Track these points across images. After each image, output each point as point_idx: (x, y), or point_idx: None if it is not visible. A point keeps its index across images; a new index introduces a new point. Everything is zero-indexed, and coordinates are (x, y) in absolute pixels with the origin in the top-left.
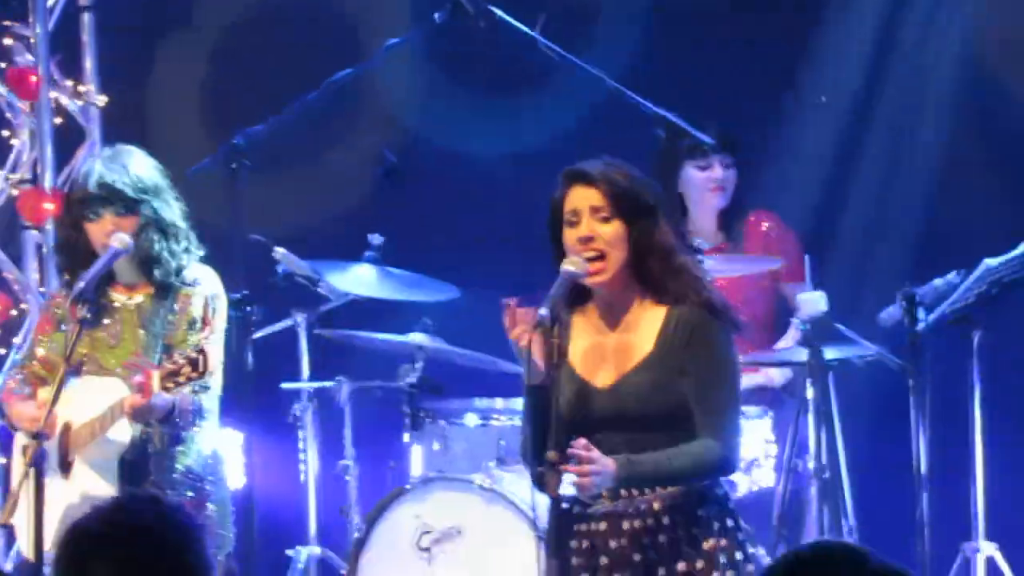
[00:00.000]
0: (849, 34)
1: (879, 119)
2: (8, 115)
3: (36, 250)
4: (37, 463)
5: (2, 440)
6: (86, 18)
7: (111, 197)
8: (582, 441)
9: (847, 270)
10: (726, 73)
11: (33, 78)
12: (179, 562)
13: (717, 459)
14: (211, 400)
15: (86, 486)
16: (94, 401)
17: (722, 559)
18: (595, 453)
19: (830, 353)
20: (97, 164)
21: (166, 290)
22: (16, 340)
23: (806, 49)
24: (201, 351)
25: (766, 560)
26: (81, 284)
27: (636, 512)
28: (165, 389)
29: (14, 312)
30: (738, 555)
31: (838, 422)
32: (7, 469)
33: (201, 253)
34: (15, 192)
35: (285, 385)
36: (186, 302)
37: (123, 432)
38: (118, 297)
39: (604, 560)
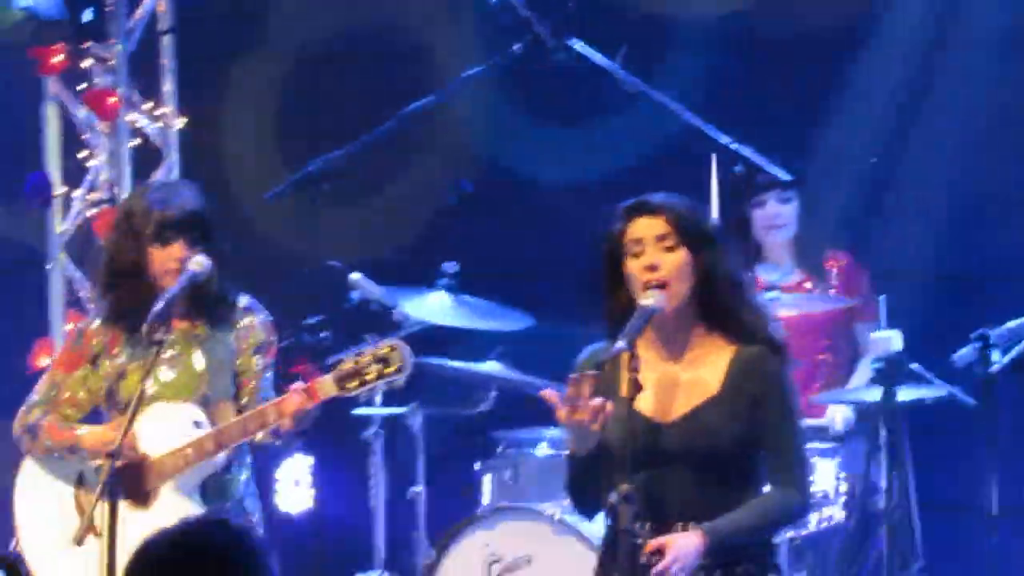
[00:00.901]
0: (896, 54)
1: (944, 153)
2: (86, 136)
3: None
4: (112, 485)
5: None
6: (166, 40)
7: (188, 226)
8: (650, 548)
9: (919, 310)
10: (788, 103)
11: (112, 99)
12: None
13: (797, 508)
14: None
15: (173, 513)
16: (170, 429)
17: None
18: (672, 548)
19: (903, 393)
20: (171, 192)
21: (222, 318)
22: None
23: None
24: (393, 347)
25: None
26: (160, 305)
27: None
28: (345, 391)
29: None
30: None
31: (910, 461)
32: None
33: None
34: (92, 212)
35: (357, 411)
36: (249, 327)
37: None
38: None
39: None
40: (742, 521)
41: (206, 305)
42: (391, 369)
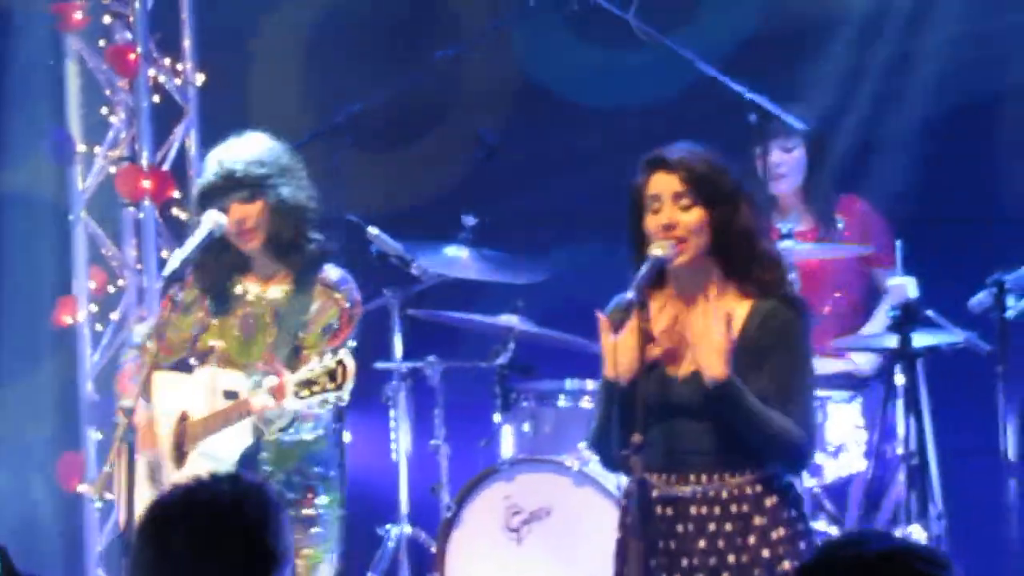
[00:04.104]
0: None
1: (964, 101)
2: (107, 92)
3: (134, 227)
4: (127, 439)
5: (98, 415)
6: None
7: (233, 184)
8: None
9: (937, 256)
10: (807, 55)
11: (132, 56)
12: (255, 539)
13: (800, 442)
14: (335, 408)
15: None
16: (215, 395)
17: (787, 548)
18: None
19: (919, 339)
20: (217, 153)
21: (305, 283)
22: (113, 316)
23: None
24: (340, 362)
25: None
26: (175, 265)
27: (704, 498)
28: (300, 398)
29: (111, 289)
30: (802, 544)
31: (927, 408)
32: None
33: (336, 244)
34: (113, 169)
35: (378, 365)
36: (326, 304)
37: (245, 434)
38: (252, 288)
39: (672, 544)
40: (757, 405)
41: (287, 262)
42: (333, 385)
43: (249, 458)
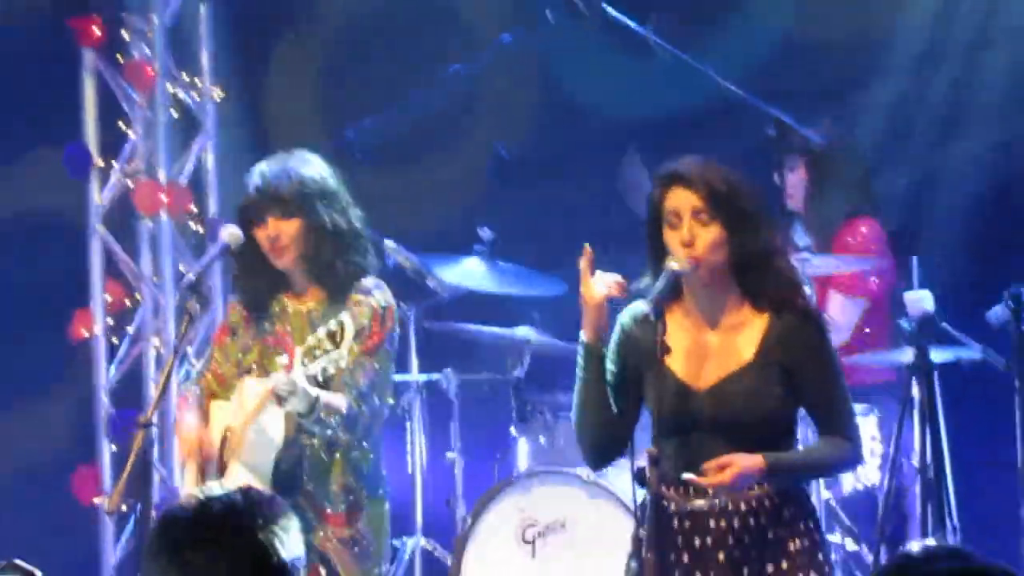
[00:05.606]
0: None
1: (980, 114)
2: (125, 107)
3: (149, 241)
4: (144, 453)
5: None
6: (203, 11)
7: (271, 200)
8: (715, 463)
9: (954, 270)
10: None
11: (150, 71)
12: (265, 550)
13: (851, 456)
14: (370, 412)
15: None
16: (249, 401)
17: (805, 560)
18: (735, 464)
19: (935, 353)
20: (260, 168)
21: (339, 298)
22: (129, 330)
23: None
24: (341, 323)
25: (868, 559)
26: (191, 277)
27: (722, 511)
28: (304, 367)
29: (128, 302)
30: (820, 556)
31: (943, 421)
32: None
33: (378, 264)
34: (130, 183)
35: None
36: (356, 310)
37: (277, 432)
38: (289, 305)
39: (686, 558)
40: (800, 458)
41: (320, 277)
42: (335, 344)
43: (288, 473)
